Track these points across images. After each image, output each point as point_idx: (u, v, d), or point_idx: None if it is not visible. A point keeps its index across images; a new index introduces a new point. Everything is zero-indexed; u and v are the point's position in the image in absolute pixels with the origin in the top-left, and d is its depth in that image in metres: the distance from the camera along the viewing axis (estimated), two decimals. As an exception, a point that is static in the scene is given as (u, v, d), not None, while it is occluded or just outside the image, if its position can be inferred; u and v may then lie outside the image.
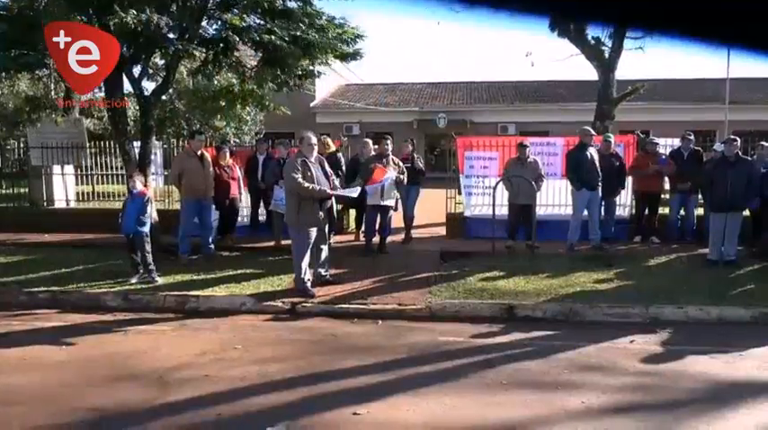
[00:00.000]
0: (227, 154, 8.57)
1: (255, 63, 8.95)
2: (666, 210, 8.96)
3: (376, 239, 8.00)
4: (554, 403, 3.54)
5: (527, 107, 23.56)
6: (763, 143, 8.80)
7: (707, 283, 6.31)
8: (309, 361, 4.38)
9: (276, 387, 3.88)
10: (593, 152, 8.03)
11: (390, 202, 7.81)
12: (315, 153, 6.35)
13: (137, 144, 8.60)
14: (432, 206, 11.28)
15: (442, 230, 9.66)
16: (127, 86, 8.43)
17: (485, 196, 8.96)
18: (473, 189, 9.28)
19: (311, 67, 9.44)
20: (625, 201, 9.10)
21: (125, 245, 6.78)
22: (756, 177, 7.22)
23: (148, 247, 6.62)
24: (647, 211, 8.84)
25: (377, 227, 7.91)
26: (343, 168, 8.72)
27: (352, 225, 9.70)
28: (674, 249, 8.12)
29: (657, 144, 8.83)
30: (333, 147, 9.08)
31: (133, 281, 6.54)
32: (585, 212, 8.15)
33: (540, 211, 8.87)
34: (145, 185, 7.06)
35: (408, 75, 70.68)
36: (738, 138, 7.53)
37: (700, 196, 8.23)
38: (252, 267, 7.30)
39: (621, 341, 4.81)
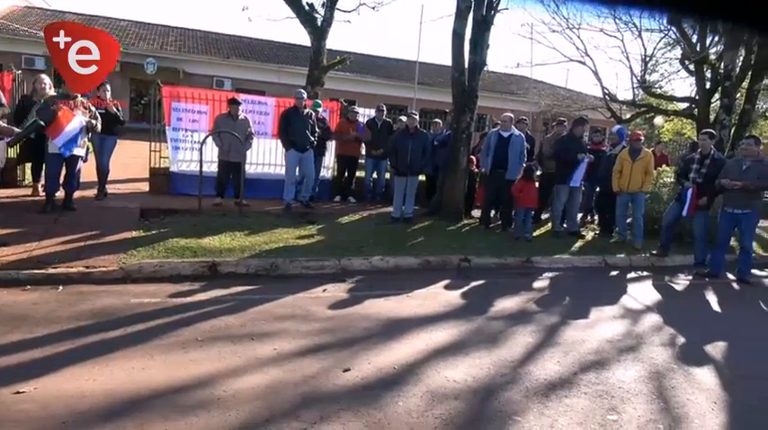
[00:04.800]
0: None
1: None
2: (363, 173, 10.03)
3: (60, 194, 6.92)
4: (247, 353, 3.66)
5: (244, 64, 23.20)
6: (437, 120, 10.52)
7: (389, 237, 7.33)
8: (-45, 340, 3.58)
9: None
10: (306, 115, 8.38)
11: (79, 152, 6.83)
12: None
13: None
14: (134, 159, 10.33)
15: (145, 186, 8.95)
16: None
17: (193, 151, 8.59)
18: (180, 143, 8.78)
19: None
20: (328, 164, 9.83)
21: None
22: (430, 148, 8.59)
23: None
24: (346, 173, 9.75)
25: (61, 180, 6.84)
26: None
27: (29, 177, 8.21)
28: (366, 208, 9.20)
29: (357, 113, 9.73)
30: None
31: None
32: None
33: (251, 170, 8.96)
34: None
35: (106, 8, 61.85)
36: (417, 113, 8.82)
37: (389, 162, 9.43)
38: None
39: (315, 290, 5.24)
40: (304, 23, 12.47)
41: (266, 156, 9.38)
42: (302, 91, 8.75)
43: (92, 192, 7.94)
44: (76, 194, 7.20)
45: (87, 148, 7.19)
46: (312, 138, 8.34)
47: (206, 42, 24.42)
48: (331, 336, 4.10)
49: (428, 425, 2.96)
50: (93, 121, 6.94)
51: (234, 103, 8.13)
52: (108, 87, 7.83)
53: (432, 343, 4.13)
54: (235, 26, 71.42)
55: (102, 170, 7.94)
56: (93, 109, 7.02)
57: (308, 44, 12.91)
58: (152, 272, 5.28)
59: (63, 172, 6.85)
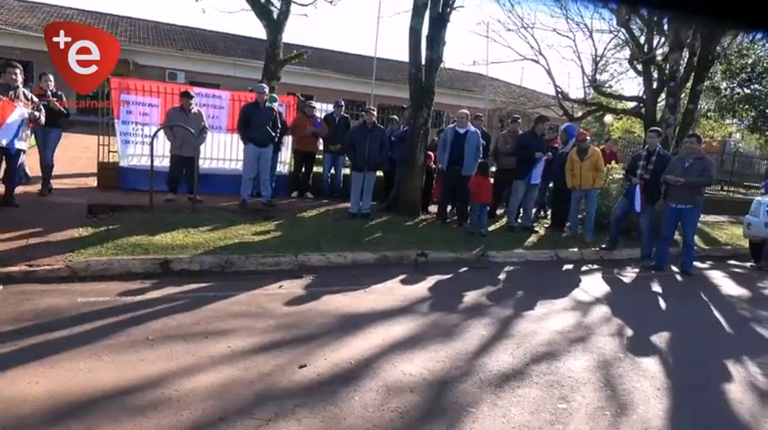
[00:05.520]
0: None
1: None
2: (320, 169, 9.97)
3: (0, 189, 6.59)
4: (200, 351, 3.58)
5: (198, 56, 22.66)
6: (394, 117, 10.55)
7: (346, 232, 7.31)
8: None
9: None
10: (267, 110, 8.22)
11: (21, 145, 6.52)
12: None
13: None
14: (82, 153, 9.98)
15: (93, 181, 8.63)
16: None
17: (143, 145, 8.33)
18: (130, 137, 8.50)
19: None
20: (285, 159, 9.72)
21: None
22: (387, 144, 8.61)
23: None
24: (303, 169, 9.66)
25: (1, 174, 6.52)
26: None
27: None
28: (324, 203, 9.15)
29: (315, 108, 9.65)
30: None
31: None
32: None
33: (205, 164, 8.77)
34: None
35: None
36: (375, 109, 8.82)
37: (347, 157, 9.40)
38: None
39: (272, 287, 5.17)
40: (260, 16, 12.26)
41: (221, 151, 9.19)
42: (263, 86, 8.61)
43: (35, 188, 7.60)
44: (19, 190, 6.88)
45: (36, 139, 6.89)
46: (273, 134, 8.22)
47: (158, 33, 23.70)
48: (287, 333, 4.06)
49: (384, 418, 2.97)
50: (36, 113, 6.63)
51: (186, 96, 7.92)
52: (51, 77, 7.49)
53: (388, 337, 4.15)
54: (188, 17, 69.37)
55: (46, 164, 7.59)
56: (36, 100, 6.71)
57: (265, 37, 12.70)
58: (101, 270, 5.09)
59: (3, 166, 6.52)
